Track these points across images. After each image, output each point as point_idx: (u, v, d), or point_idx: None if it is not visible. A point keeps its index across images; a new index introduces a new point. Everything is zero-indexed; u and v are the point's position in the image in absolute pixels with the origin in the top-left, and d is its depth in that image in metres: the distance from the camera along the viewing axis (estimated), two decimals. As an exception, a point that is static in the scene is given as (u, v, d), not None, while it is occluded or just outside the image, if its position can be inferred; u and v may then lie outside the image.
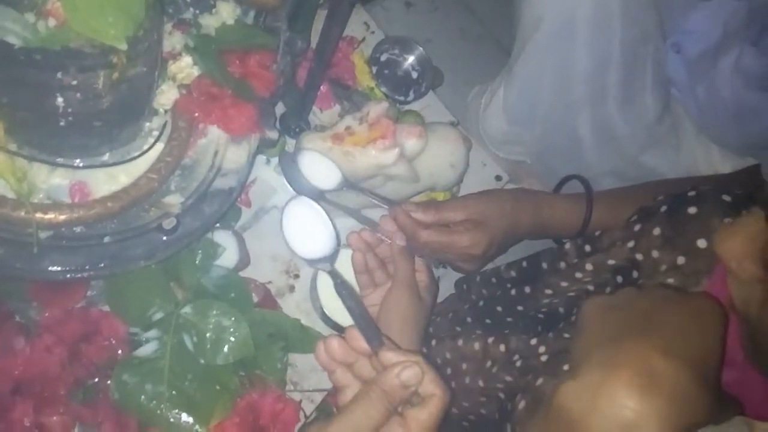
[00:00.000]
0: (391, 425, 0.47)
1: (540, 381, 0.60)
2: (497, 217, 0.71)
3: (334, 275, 0.60)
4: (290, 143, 0.90)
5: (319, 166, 0.77)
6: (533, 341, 0.66)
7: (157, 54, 0.57)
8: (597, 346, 0.44)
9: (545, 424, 0.43)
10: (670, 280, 0.60)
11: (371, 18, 1.05)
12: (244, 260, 0.81)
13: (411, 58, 1.03)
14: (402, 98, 1.01)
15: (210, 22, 0.71)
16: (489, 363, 0.69)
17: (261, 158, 0.88)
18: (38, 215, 0.56)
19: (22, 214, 0.56)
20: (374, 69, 1.00)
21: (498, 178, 1.05)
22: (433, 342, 0.77)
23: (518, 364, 0.65)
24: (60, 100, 0.51)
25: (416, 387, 0.47)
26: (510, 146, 1.03)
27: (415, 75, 1.03)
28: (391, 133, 0.80)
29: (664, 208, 0.63)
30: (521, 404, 0.61)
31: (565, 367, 0.59)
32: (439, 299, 0.93)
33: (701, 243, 0.59)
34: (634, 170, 0.88)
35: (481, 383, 0.69)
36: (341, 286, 0.58)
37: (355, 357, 0.51)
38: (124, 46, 0.47)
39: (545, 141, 0.94)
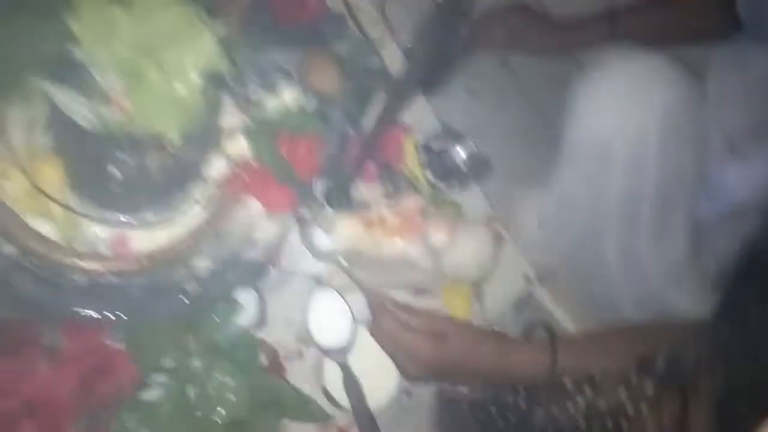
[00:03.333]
0: None
1: None
2: (459, 339, 0.75)
3: (345, 368, 0.64)
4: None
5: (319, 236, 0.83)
6: None
7: (210, 139, 0.63)
8: None
9: None
10: None
11: (430, 104, 1.09)
12: (261, 321, 0.85)
13: (462, 152, 1.06)
14: (445, 186, 1.04)
15: (271, 103, 0.77)
16: None
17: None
18: (79, 263, 0.62)
19: (65, 260, 0.62)
20: (423, 154, 1.04)
21: (526, 277, 1.05)
22: None
23: None
24: (115, 170, 0.57)
25: None
26: (542, 252, 1.05)
27: (463, 167, 1.06)
28: (420, 229, 0.83)
29: (660, 366, 0.63)
30: None
31: None
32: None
33: None
34: (655, 305, 0.88)
35: None
36: (348, 381, 0.61)
37: None
38: (177, 141, 0.53)
39: (574, 258, 0.95)
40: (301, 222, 0.84)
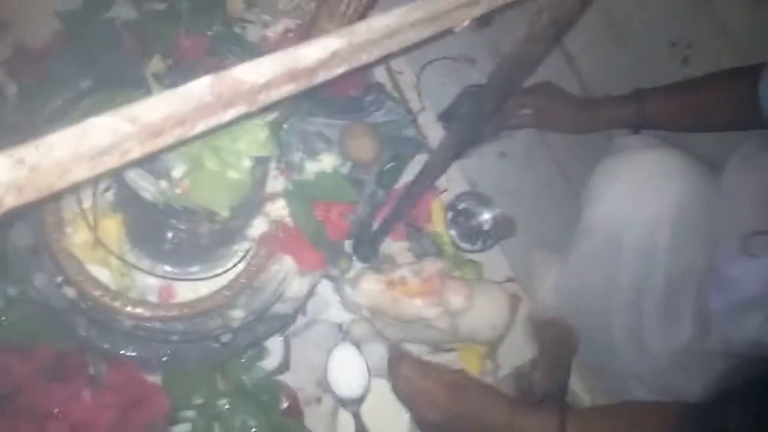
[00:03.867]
0: None
1: None
2: (476, 393, 0.79)
3: (357, 418, 0.71)
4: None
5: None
6: None
7: (255, 207, 0.70)
8: None
9: None
10: None
11: (460, 165, 1.15)
12: (285, 365, 0.91)
13: (487, 214, 1.11)
14: (468, 247, 1.09)
15: (312, 168, 0.84)
16: None
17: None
18: (129, 308, 0.69)
19: (117, 304, 0.69)
20: (449, 214, 1.09)
21: (540, 340, 1.09)
22: None
23: None
24: (169, 234, 0.64)
25: None
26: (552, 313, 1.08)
27: (486, 228, 1.11)
28: (439, 292, 0.88)
29: None
30: None
31: None
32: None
33: None
34: (661, 382, 0.92)
35: None
36: (359, 430, 0.68)
37: None
38: (226, 215, 0.60)
39: (585, 328, 0.99)
40: (332, 277, 0.90)
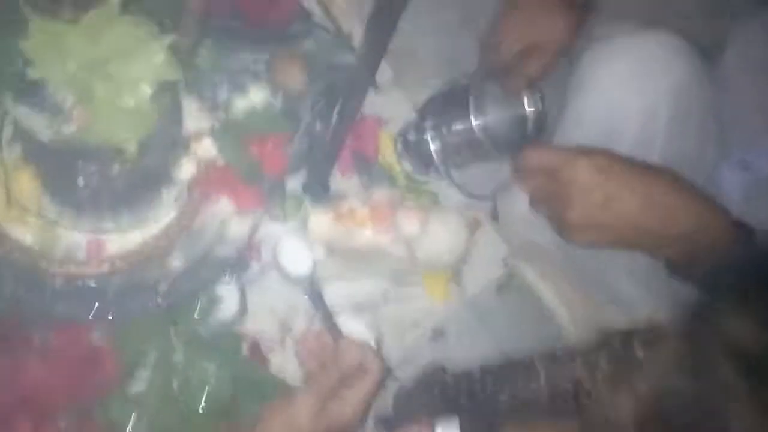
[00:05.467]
0: None
1: None
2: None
3: (311, 297, 0.80)
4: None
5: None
6: None
7: (174, 145, 0.66)
8: None
9: None
10: None
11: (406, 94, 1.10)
12: (242, 312, 0.88)
13: (437, 143, 1.07)
14: (421, 176, 1.06)
15: (241, 104, 0.80)
16: None
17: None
18: (55, 267, 0.66)
19: (43, 264, 0.66)
20: (399, 145, 1.06)
21: (504, 261, 1.07)
22: None
23: None
24: (81, 179, 0.60)
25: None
26: (532, 228, 1.03)
27: (438, 158, 1.08)
28: (389, 219, 0.86)
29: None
30: None
31: None
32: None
33: None
34: (651, 279, 0.88)
35: None
36: (316, 300, 0.79)
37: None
38: (134, 148, 0.56)
39: None
40: (275, 216, 0.87)
